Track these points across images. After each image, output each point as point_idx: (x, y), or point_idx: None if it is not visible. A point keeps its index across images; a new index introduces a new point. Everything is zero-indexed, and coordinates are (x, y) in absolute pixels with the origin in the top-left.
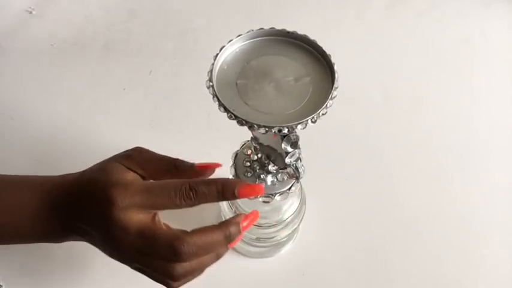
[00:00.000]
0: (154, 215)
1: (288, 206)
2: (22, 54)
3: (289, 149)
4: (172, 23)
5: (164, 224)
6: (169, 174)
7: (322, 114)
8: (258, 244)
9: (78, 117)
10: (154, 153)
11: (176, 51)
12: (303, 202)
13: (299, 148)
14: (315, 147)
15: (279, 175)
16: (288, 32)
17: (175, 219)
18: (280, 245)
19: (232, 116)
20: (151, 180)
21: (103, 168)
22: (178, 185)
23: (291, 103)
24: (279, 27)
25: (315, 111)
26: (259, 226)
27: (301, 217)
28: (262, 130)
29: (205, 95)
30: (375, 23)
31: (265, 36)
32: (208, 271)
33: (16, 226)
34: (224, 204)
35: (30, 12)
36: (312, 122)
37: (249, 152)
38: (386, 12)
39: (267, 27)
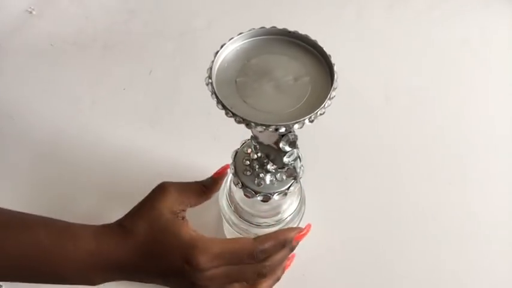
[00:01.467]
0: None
1: (288, 205)
2: (22, 54)
3: (287, 148)
4: (172, 23)
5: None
6: (203, 195)
7: (320, 114)
8: None
9: (78, 117)
10: (181, 185)
11: (176, 51)
12: (302, 201)
13: (297, 148)
14: (315, 146)
15: (278, 174)
16: (290, 32)
17: None
18: None
19: (229, 113)
20: (218, 240)
21: (166, 229)
22: (249, 252)
23: (289, 102)
24: (279, 27)
25: (312, 111)
26: (258, 225)
27: (300, 216)
28: (260, 128)
29: (205, 95)
30: (375, 23)
31: (267, 35)
32: None
33: (58, 273)
34: (224, 202)
35: (30, 12)
36: (310, 121)
37: (249, 150)
38: (386, 12)
39: (267, 27)
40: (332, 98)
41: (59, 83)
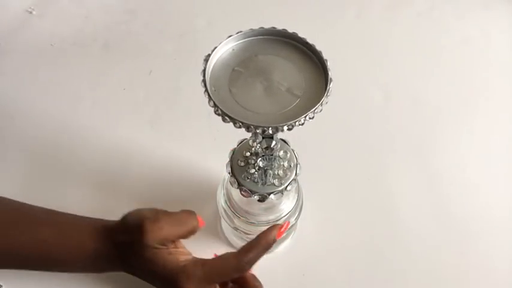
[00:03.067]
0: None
1: (285, 204)
2: (22, 54)
3: (261, 150)
4: (172, 23)
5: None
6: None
7: (299, 124)
8: None
9: (78, 117)
10: (169, 216)
11: (176, 51)
12: (300, 199)
13: (275, 159)
14: (314, 146)
15: (275, 174)
16: (307, 43)
17: None
18: (278, 242)
19: (207, 95)
20: (203, 262)
21: (152, 260)
22: (234, 267)
23: (271, 107)
24: (278, 27)
25: (291, 119)
26: (256, 223)
27: (298, 214)
28: (222, 118)
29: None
30: (375, 23)
31: (284, 38)
32: None
33: (68, 266)
34: (221, 200)
35: (30, 12)
36: (288, 128)
37: (245, 150)
38: (386, 13)
39: (267, 27)
40: (315, 112)
41: (59, 83)
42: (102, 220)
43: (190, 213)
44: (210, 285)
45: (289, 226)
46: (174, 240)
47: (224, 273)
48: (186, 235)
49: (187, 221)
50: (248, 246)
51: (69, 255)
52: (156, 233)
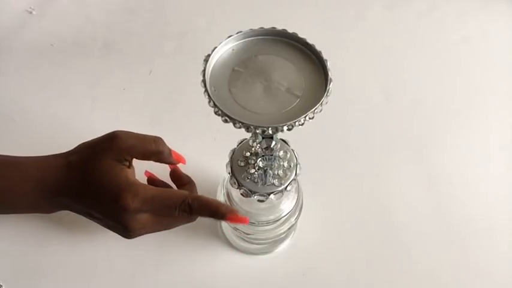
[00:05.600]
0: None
1: (285, 204)
2: (22, 54)
3: (261, 150)
4: (172, 23)
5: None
6: (154, 158)
7: (299, 124)
8: (255, 241)
9: (78, 117)
10: (134, 135)
11: (176, 51)
12: (300, 199)
13: (275, 159)
14: (314, 146)
15: (275, 174)
16: (307, 43)
17: None
18: (278, 242)
19: (207, 95)
20: (153, 188)
21: (103, 171)
22: (179, 202)
23: (271, 107)
24: (278, 27)
25: (291, 119)
26: (256, 223)
27: (298, 214)
28: (222, 119)
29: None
30: (375, 23)
31: (284, 38)
32: (206, 268)
33: (10, 202)
34: (221, 200)
35: (30, 12)
36: (288, 129)
37: (245, 150)
38: (386, 13)
39: (267, 27)
40: (314, 112)
41: (59, 83)
42: (47, 155)
43: (160, 138)
44: (149, 209)
45: (290, 226)
46: (131, 158)
47: (168, 204)
48: (148, 155)
49: (155, 142)
50: (200, 198)
51: (12, 187)
52: (123, 143)
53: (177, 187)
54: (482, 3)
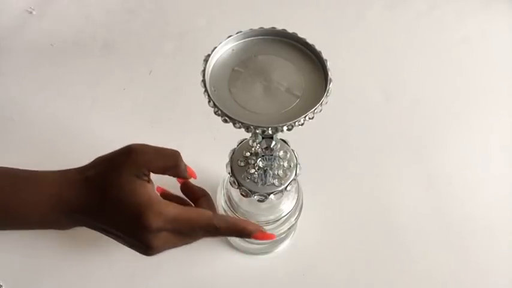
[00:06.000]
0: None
1: (285, 204)
2: (22, 54)
3: (261, 150)
4: (172, 23)
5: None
6: (170, 172)
7: (299, 124)
8: (255, 241)
9: (78, 117)
10: (152, 149)
11: (176, 51)
12: (300, 199)
13: (275, 159)
14: (314, 146)
15: (275, 174)
16: (307, 43)
17: None
18: (278, 242)
19: (206, 94)
20: (176, 206)
21: (123, 187)
22: (204, 223)
23: (271, 107)
24: (278, 27)
25: (291, 119)
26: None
27: (298, 214)
28: (222, 119)
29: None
30: (375, 23)
31: (284, 38)
32: (206, 268)
33: (25, 217)
34: (221, 200)
35: (30, 12)
36: (288, 129)
37: (245, 150)
38: (386, 13)
39: (267, 27)
40: (315, 112)
41: (59, 83)
42: (66, 170)
43: (176, 151)
44: (172, 229)
45: (290, 226)
46: (149, 172)
47: (192, 225)
48: (167, 169)
49: (173, 156)
50: (226, 219)
51: (27, 202)
52: (141, 157)
53: (191, 201)
54: (482, 3)
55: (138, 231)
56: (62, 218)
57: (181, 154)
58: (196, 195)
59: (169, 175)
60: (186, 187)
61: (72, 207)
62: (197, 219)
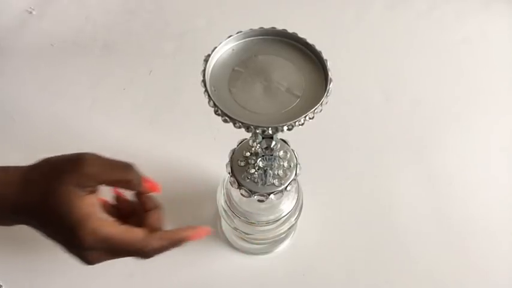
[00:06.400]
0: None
1: (285, 204)
2: (22, 54)
3: (261, 150)
4: (172, 23)
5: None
6: (121, 186)
7: (299, 124)
8: (255, 241)
9: (78, 117)
10: (102, 161)
11: (176, 51)
12: (300, 199)
13: (275, 159)
14: (314, 146)
15: (275, 174)
16: (307, 43)
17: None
18: (278, 242)
19: (207, 94)
20: (111, 224)
21: (61, 198)
22: (133, 250)
23: (271, 107)
24: (278, 27)
25: (291, 119)
26: (256, 223)
27: (298, 214)
28: (222, 119)
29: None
30: (375, 23)
31: (284, 38)
32: (206, 268)
33: None
34: (221, 200)
35: (30, 12)
36: (288, 129)
37: (245, 150)
38: (386, 13)
39: (267, 27)
40: (315, 111)
41: (59, 83)
42: (5, 167)
43: (129, 166)
44: (104, 248)
45: (290, 226)
46: (96, 184)
47: (125, 248)
48: (115, 183)
49: (124, 170)
50: (161, 236)
51: None
52: (88, 168)
53: (143, 210)
54: (482, 3)
55: (71, 246)
56: (2, 215)
57: (181, 154)
58: (146, 207)
59: (123, 188)
60: (139, 198)
61: (8, 207)
62: (128, 243)
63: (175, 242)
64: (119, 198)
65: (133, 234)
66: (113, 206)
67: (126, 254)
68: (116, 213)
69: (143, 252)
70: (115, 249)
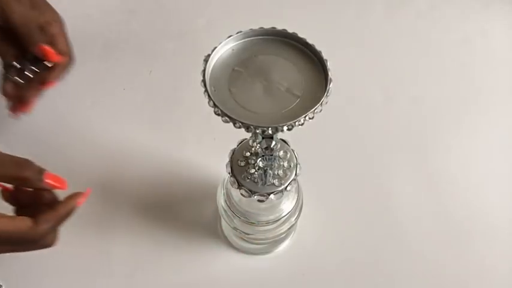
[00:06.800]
0: None
1: (285, 204)
2: None
3: (261, 150)
4: (172, 23)
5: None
6: (17, 183)
7: (299, 124)
8: (255, 241)
9: (78, 117)
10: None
11: (176, 51)
12: (300, 199)
13: (275, 159)
14: (314, 146)
15: (275, 174)
16: (307, 43)
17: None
18: (278, 242)
19: (205, 91)
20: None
21: None
22: (24, 237)
23: (271, 107)
24: (278, 27)
25: (291, 119)
26: (256, 223)
27: (298, 214)
28: (222, 119)
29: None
30: (375, 23)
31: (284, 38)
32: (206, 268)
33: None
34: (221, 200)
35: None
36: (288, 129)
37: (245, 150)
38: (386, 13)
39: (267, 27)
40: (315, 111)
41: (59, 83)
42: None
43: (26, 162)
44: None
45: (290, 226)
46: None
47: (12, 239)
48: (10, 180)
49: (18, 167)
50: (46, 217)
51: None
52: None
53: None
54: (482, 3)
55: None
56: None
57: (181, 154)
58: (41, 200)
59: (20, 185)
60: (19, 190)
61: None
62: (13, 232)
63: (63, 217)
64: (16, 187)
65: (20, 223)
66: (11, 194)
67: (15, 244)
68: (15, 202)
69: (35, 239)
70: (5, 240)
